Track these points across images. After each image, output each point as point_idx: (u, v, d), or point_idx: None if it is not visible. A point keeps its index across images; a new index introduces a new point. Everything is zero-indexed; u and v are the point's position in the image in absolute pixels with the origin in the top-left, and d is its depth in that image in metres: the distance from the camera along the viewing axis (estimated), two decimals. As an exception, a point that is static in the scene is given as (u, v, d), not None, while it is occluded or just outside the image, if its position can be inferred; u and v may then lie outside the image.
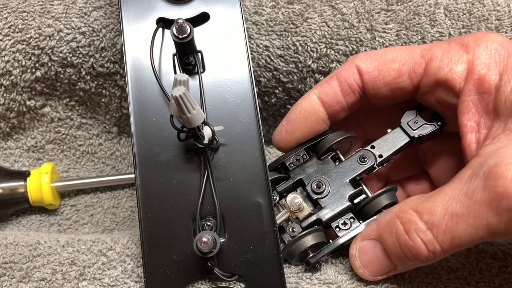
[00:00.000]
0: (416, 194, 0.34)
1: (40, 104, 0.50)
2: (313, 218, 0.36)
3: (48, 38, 0.45)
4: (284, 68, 0.47)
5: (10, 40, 0.45)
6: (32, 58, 0.46)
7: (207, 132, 0.33)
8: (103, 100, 0.51)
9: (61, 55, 0.46)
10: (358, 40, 0.45)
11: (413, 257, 0.32)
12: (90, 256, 0.37)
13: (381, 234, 0.33)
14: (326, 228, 0.37)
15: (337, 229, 0.36)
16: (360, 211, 0.37)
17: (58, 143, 0.53)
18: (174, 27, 0.34)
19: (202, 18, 0.38)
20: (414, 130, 0.38)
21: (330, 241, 0.36)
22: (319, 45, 0.45)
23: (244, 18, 0.39)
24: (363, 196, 0.37)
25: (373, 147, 0.38)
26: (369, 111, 0.41)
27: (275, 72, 0.47)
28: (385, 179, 0.43)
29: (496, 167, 0.28)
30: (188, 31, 0.34)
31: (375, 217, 0.36)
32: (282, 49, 0.46)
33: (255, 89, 0.37)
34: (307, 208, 0.37)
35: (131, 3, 0.38)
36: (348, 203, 0.36)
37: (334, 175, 0.37)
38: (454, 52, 0.34)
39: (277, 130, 0.39)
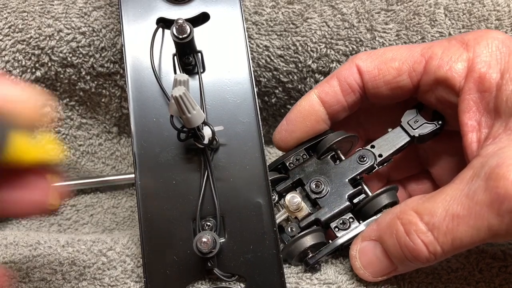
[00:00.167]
0: (418, 194, 0.34)
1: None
2: (312, 218, 0.36)
3: (48, 38, 0.45)
4: (284, 68, 0.47)
5: (10, 40, 0.45)
6: (32, 58, 0.46)
7: (207, 132, 0.33)
8: (103, 100, 0.51)
9: (61, 55, 0.46)
10: (358, 40, 0.45)
11: (413, 258, 0.31)
12: (90, 256, 0.37)
13: (382, 235, 0.33)
14: (325, 228, 0.37)
15: (336, 229, 0.36)
16: (360, 211, 0.37)
17: (58, 143, 0.53)
18: (174, 27, 0.34)
19: (202, 18, 0.38)
20: (414, 129, 0.37)
21: (330, 241, 0.36)
22: (319, 45, 0.45)
23: (244, 18, 0.39)
24: (363, 195, 0.37)
25: (373, 146, 0.38)
26: (370, 111, 0.41)
27: (275, 72, 0.47)
28: (386, 178, 0.43)
29: (497, 168, 0.28)
30: (188, 31, 0.34)
31: (374, 217, 0.36)
32: (282, 49, 0.46)
33: (255, 89, 0.37)
34: (306, 208, 0.37)
35: (131, 3, 0.38)
36: (347, 203, 0.36)
37: (333, 174, 0.37)
38: (454, 50, 0.34)
39: (277, 130, 0.39)
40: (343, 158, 0.38)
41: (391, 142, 0.38)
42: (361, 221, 0.36)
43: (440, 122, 0.37)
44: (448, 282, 0.35)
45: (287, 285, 0.35)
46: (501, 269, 0.36)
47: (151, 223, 0.35)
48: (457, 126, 0.34)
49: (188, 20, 0.37)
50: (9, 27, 0.45)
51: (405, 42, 0.44)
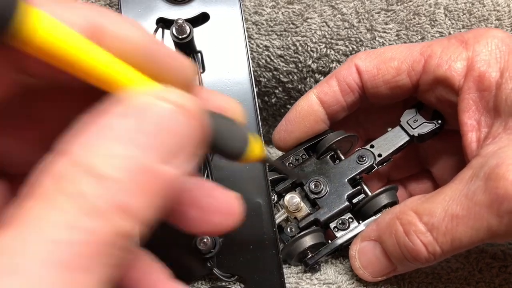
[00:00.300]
0: (418, 193, 0.34)
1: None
2: (311, 218, 0.36)
3: (48, 38, 0.45)
4: (284, 68, 0.47)
5: (10, 40, 0.45)
6: (32, 58, 0.46)
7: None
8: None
9: (61, 55, 0.46)
10: (358, 40, 0.45)
11: (413, 258, 0.31)
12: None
13: (381, 235, 0.33)
14: (325, 228, 0.37)
15: (336, 229, 0.36)
16: (359, 211, 0.37)
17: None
18: (174, 28, 0.34)
19: (202, 18, 0.38)
20: (413, 128, 0.37)
21: (329, 241, 0.36)
22: (319, 45, 0.45)
23: (244, 18, 0.39)
24: (362, 195, 0.37)
25: (372, 146, 0.38)
26: (369, 111, 0.41)
27: (275, 72, 0.47)
28: (386, 178, 0.43)
29: (497, 168, 0.28)
30: (188, 31, 0.34)
31: (374, 217, 0.36)
32: (282, 49, 0.46)
33: (255, 89, 0.37)
34: (305, 208, 0.37)
35: (131, 3, 0.38)
36: (346, 203, 0.36)
37: (332, 175, 0.37)
38: (454, 49, 0.34)
39: (276, 130, 0.39)
40: (342, 158, 0.38)
41: (390, 141, 0.38)
42: (360, 221, 0.36)
43: (439, 122, 0.37)
44: (448, 282, 0.35)
45: (287, 285, 0.35)
46: (501, 269, 0.36)
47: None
48: (457, 125, 0.34)
49: (188, 20, 0.37)
50: (9, 27, 0.45)
51: (405, 42, 0.44)
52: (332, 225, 0.36)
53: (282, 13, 0.46)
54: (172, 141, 0.18)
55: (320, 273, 0.36)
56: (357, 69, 0.36)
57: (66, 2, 0.18)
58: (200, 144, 0.20)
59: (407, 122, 0.38)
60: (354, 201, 0.37)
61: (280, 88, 0.49)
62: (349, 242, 0.36)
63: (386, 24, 0.45)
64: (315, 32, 0.45)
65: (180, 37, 0.34)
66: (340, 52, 0.45)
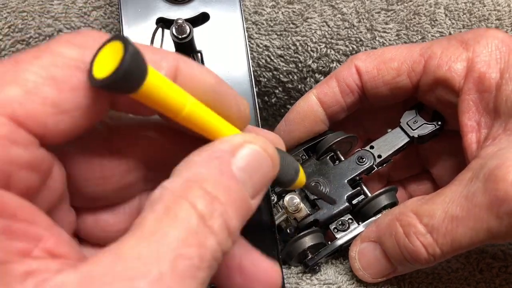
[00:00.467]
0: (418, 194, 0.34)
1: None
2: (311, 219, 0.36)
3: (47, 38, 0.45)
4: (284, 68, 0.47)
5: (9, 40, 0.45)
6: (32, 58, 0.46)
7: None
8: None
9: (60, 55, 0.46)
10: (358, 40, 0.45)
11: (413, 260, 0.31)
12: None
13: (381, 236, 0.33)
14: (325, 229, 0.37)
15: (335, 230, 0.36)
16: (359, 212, 0.37)
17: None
18: (173, 27, 0.34)
19: (202, 18, 0.38)
20: (413, 129, 0.37)
21: (329, 242, 0.36)
22: (319, 45, 0.45)
23: (244, 18, 0.38)
24: (362, 196, 0.37)
25: (372, 147, 0.38)
26: (369, 111, 0.41)
27: (275, 72, 0.47)
28: (386, 179, 0.43)
29: (496, 169, 0.28)
30: (188, 31, 0.34)
31: (373, 218, 0.36)
32: (282, 49, 0.46)
33: (255, 89, 0.37)
34: (305, 209, 0.36)
35: (130, 3, 0.38)
36: (346, 204, 0.36)
37: (332, 175, 0.37)
38: (453, 49, 0.34)
39: (276, 130, 0.39)
40: (342, 158, 0.38)
41: (390, 142, 0.38)
42: (360, 222, 0.36)
43: (439, 123, 0.37)
44: (448, 282, 0.35)
45: (287, 285, 0.35)
46: (501, 269, 0.36)
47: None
48: (457, 126, 0.34)
49: (187, 20, 0.37)
50: (9, 27, 0.45)
51: (405, 42, 0.44)
52: (331, 226, 0.36)
53: (282, 13, 0.46)
54: (261, 180, 0.22)
55: (321, 273, 0.36)
56: (357, 70, 0.36)
57: (155, 49, 0.22)
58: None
59: (407, 123, 0.37)
60: (354, 202, 0.37)
61: (280, 88, 0.49)
62: (349, 243, 0.36)
63: (386, 24, 0.45)
64: (315, 32, 0.45)
65: (180, 37, 0.34)
66: (340, 52, 0.45)
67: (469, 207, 0.29)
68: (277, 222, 0.36)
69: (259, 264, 0.24)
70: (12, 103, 0.18)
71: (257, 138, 0.22)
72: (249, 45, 0.45)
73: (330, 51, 0.45)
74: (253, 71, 0.38)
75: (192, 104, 0.21)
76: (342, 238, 0.36)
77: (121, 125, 0.24)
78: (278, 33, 0.46)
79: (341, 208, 0.36)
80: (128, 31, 0.38)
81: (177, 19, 0.33)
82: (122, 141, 0.24)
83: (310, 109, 0.37)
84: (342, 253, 0.38)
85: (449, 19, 0.44)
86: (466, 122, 0.33)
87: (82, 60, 0.19)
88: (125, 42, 0.18)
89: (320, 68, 0.46)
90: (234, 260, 0.23)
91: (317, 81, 0.47)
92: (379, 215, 0.35)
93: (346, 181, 0.37)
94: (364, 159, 0.37)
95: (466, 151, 0.33)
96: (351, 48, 0.45)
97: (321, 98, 0.37)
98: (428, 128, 0.37)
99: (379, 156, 0.38)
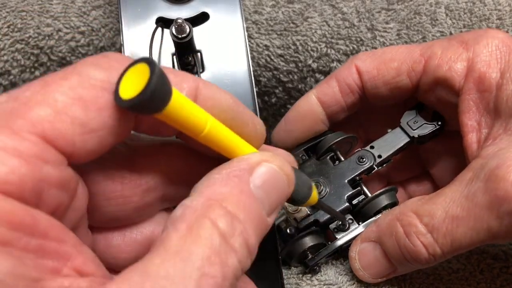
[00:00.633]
0: (418, 195, 0.34)
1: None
2: (311, 219, 0.36)
3: (47, 38, 0.45)
4: (284, 68, 0.47)
5: (9, 39, 0.45)
6: (31, 57, 0.46)
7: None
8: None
9: (60, 54, 0.46)
10: (358, 39, 0.45)
11: (413, 260, 0.31)
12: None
13: (381, 236, 0.33)
14: (325, 230, 0.37)
15: (335, 230, 0.36)
16: (359, 212, 0.37)
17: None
18: (173, 27, 0.34)
19: (202, 17, 0.38)
20: (414, 130, 0.37)
21: (329, 242, 0.36)
22: (320, 45, 0.45)
23: (244, 18, 0.38)
24: (362, 197, 0.37)
25: (372, 147, 0.38)
26: (370, 112, 0.41)
27: (275, 72, 0.47)
28: (386, 180, 0.43)
29: (497, 169, 0.28)
30: (188, 31, 0.34)
31: (374, 218, 0.36)
32: (282, 48, 0.46)
33: (255, 89, 0.37)
34: (305, 209, 0.36)
35: (130, 3, 0.38)
36: (346, 204, 0.36)
37: (332, 175, 0.37)
38: (454, 49, 0.34)
39: (275, 130, 0.39)
40: (342, 159, 0.38)
41: (390, 143, 0.38)
42: (360, 223, 0.36)
43: (440, 123, 0.37)
44: (449, 283, 0.35)
45: (287, 286, 0.35)
46: (502, 269, 0.36)
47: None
48: (457, 126, 0.34)
49: (187, 19, 0.37)
50: (8, 27, 0.45)
51: (406, 42, 0.44)
52: (332, 226, 0.36)
53: (282, 12, 0.46)
54: (277, 198, 0.23)
55: (321, 274, 0.36)
56: (357, 70, 0.36)
57: (176, 71, 0.22)
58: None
59: (407, 123, 0.37)
60: (354, 202, 0.37)
61: (280, 88, 0.49)
62: (349, 243, 0.36)
63: (386, 23, 0.45)
64: (315, 32, 0.45)
65: (180, 36, 0.34)
66: (341, 51, 0.45)
67: (469, 207, 0.29)
68: (277, 223, 0.36)
69: None
70: (43, 123, 0.18)
71: (274, 157, 0.23)
72: (249, 45, 0.45)
73: (331, 50, 0.45)
74: (253, 70, 0.38)
75: (212, 123, 0.22)
76: (342, 238, 0.36)
77: (141, 146, 0.25)
78: (278, 32, 0.46)
79: (341, 208, 0.36)
80: (128, 31, 0.37)
81: (177, 19, 0.33)
82: (142, 161, 0.25)
83: (310, 109, 0.37)
84: (342, 253, 0.38)
85: (450, 19, 0.44)
86: (467, 122, 0.33)
87: (108, 81, 0.20)
88: (151, 64, 0.19)
89: (321, 67, 0.46)
90: None
91: (317, 81, 0.47)
92: (379, 215, 0.35)
93: (346, 181, 0.37)
94: (364, 159, 0.37)
95: (467, 151, 0.33)
96: (351, 47, 0.45)
97: (321, 98, 0.37)
98: (428, 128, 0.37)
99: (379, 156, 0.37)
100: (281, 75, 0.47)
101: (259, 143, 0.26)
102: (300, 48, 0.46)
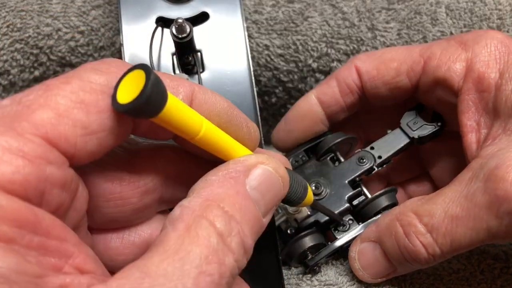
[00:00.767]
0: (418, 196, 0.34)
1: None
2: (311, 219, 0.36)
3: (46, 37, 0.45)
4: (285, 68, 0.47)
5: (8, 39, 0.45)
6: (31, 57, 0.46)
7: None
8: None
9: (59, 54, 0.46)
10: (359, 39, 0.45)
11: (412, 259, 0.31)
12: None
13: (381, 236, 0.33)
14: (325, 230, 0.37)
15: (336, 231, 0.36)
16: (359, 213, 0.37)
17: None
18: (173, 27, 0.34)
19: (202, 17, 0.38)
20: (413, 130, 0.37)
21: (329, 243, 0.36)
22: (320, 44, 0.45)
23: (244, 17, 0.38)
24: (362, 197, 0.37)
25: (372, 148, 0.38)
26: (370, 112, 0.41)
27: (275, 72, 0.47)
28: (386, 180, 0.43)
29: (496, 169, 0.28)
30: (188, 30, 0.34)
31: (374, 218, 0.36)
32: (282, 48, 0.46)
33: (255, 89, 0.37)
34: (305, 210, 0.36)
35: (130, 2, 0.38)
36: (346, 205, 0.36)
37: (332, 176, 0.37)
38: (453, 50, 0.34)
39: (275, 130, 0.39)
40: (342, 159, 0.38)
41: (390, 143, 0.38)
42: (360, 223, 0.36)
43: (439, 124, 0.37)
44: (449, 283, 0.35)
45: (288, 286, 0.35)
46: (503, 270, 0.36)
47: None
48: (457, 126, 0.34)
49: (187, 19, 0.37)
50: (7, 26, 0.45)
51: (406, 41, 0.44)
52: (332, 226, 0.36)
53: (282, 12, 0.46)
54: (272, 198, 0.24)
55: (321, 274, 0.36)
56: (357, 70, 0.36)
57: (172, 77, 0.23)
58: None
59: (407, 124, 0.37)
60: (354, 202, 0.37)
61: (280, 88, 0.48)
62: (349, 243, 0.36)
63: (387, 23, 0.45)
64: (315, 31, 0.45)
65: (180, 36, 0.34)
66: (341, 51, 0.45)
67: (469, 207, 0.29)
68: (277, 223, 0.36)
69: None
70: (46, 125, 0.19)
71: (269, 159, 0.24)
72: (249, 45, 0.45)
73: (331, 50, 0.45)
74: (253, 70, 0.38)
75: (207, 126, 0.22)
76: (342, 239, 0.36)
77: (139, 149, 0.26)
78: (278, 32, 0.46)
79: (342, 209, 0.36)
80: (128, 31, 0.37)
81: (177, 18, 0.33)
82: (141, 163, 0.25)
83: (309, 109, 0.37)
84: (342, 253, 0.37)
85: (450, 19, 0.44)
86: (466, 122, 0.33)
87: (108, 85, 0.21)
88: (147, 70, 0.20)
89: (321, 67, 0.46)
90: None
91: (317, 81, 0.47)
92: (379, 216, 0.35)
93: (346, 181, 0.37)
94: (364, 160, 0.37)
95: (466, 151, 0.33)
96: (351, 47, 0.45)
97: (321, 98, 0.37)
98: (428, 129, 0.37)
99: (379, 157, 0.37)
100: (281, 75, 0.47)
101: (254, 145, 0.27)
102: (300, 47, 0.46)
